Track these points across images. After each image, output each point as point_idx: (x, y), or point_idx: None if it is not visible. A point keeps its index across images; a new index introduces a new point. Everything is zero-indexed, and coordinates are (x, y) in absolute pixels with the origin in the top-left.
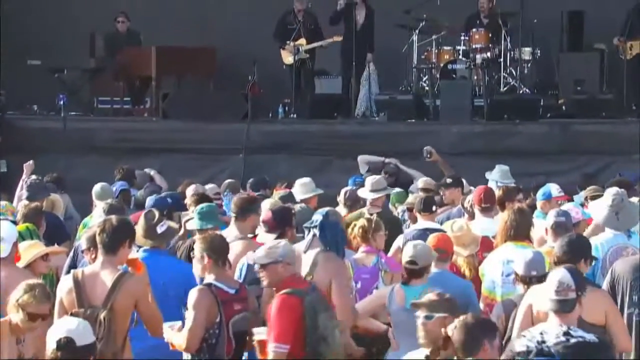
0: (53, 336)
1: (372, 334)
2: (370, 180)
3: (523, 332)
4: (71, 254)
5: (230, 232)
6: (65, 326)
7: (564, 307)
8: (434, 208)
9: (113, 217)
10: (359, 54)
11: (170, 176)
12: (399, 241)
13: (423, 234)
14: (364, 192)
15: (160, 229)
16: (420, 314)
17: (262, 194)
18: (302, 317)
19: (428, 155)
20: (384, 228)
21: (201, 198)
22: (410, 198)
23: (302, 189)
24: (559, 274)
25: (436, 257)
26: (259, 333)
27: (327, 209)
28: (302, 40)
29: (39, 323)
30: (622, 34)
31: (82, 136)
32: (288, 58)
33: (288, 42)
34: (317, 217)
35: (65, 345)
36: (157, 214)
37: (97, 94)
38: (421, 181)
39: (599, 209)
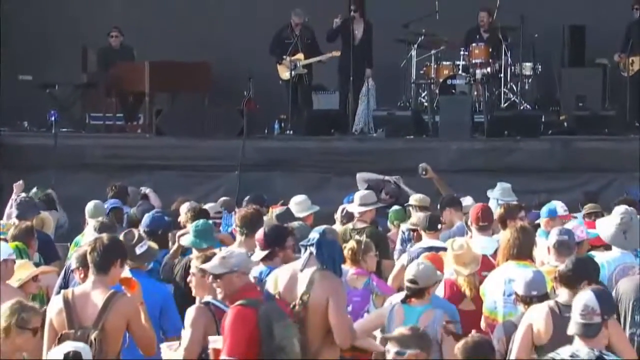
0: (58, 352)
1: (369, 354)
2: (359, 194)
3: (552, 353)
4: (62, 273)
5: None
6: (70, 344)
7: (587, 331)
8: (439, 226)
9: (104, 236)
10: (357, 69)
11: (164, 194)
12: (403, 259)
13: (428, 253)
14: (353, 207)
15: (139, 250)
16: (392, 348)
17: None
18: (257, 328)
19: (424, 173)
20: (374, 249)
21: (197, 214)
22: (414, 218)
23: (298, 207)
24: (585, 297)
25: None
26: (215, 341)
27: (323, 226)
28: (300, 55)
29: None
30: (624, 50)
31: (74, 153)
32: (285, 73)
33: (285, 56)
34: (314, 235)
35: (73, 357)
36: (136, 234)
37: (89, 110)
38: (413, 198)
39: (606, 227)
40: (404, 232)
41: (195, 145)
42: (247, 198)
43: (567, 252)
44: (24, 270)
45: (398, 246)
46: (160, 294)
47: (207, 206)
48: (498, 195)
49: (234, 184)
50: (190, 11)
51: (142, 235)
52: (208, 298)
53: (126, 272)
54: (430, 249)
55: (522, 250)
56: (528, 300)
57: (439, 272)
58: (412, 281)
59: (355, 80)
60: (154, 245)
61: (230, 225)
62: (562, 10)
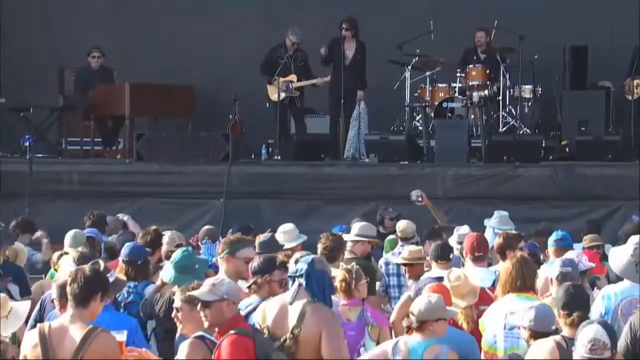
0: None
1: None
2: (358, 224)
3: None
4: (37, 306)
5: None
6: None
7: None
8: (451, 255)
9: (86, 267)
10: (349, 91)
11: (145, 222)
12: (410, 290)
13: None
14: (348, 236)
15: None
16: None
17: None
18: (255, 357)
19: (419, 199)
20: (364, 275)
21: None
22: (405, 252)
23: (286, 236)
24: (592, 330)
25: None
26: None
27: (312, 256)
28: (292, 77)
29: None
30: (629, 74)
31: (50, 180)
32: (274, 94)
33: (276, 77)
34: (302, 265)
35: None
36: (102, 264)
37: (66, 134)
38: (397, 228)
39: (619, 257)
40: (387, 264)
41: (178, 171)
42: (232, 228)
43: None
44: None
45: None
46: (126, 328)
47: (166, 233)
48: (495, 224)
49: (219, 212)
50: (174, 32)
51: (107, 267)
52: (200, 332)
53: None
54: (439, 279)
55: (524, 282)
56: (539, 335)
57: (447, 307)
58: (415, 314)
59: (347, 103)
60: (122, 276)
61: (214, 256)
62: (563, 30)
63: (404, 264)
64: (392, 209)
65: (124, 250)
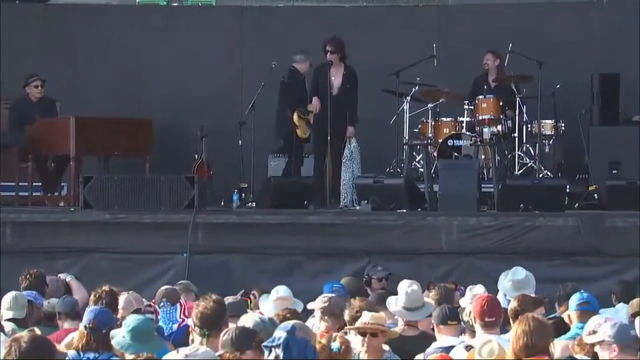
0: None
1: None
2: (405, 288)
3: None
4: None
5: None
6: None
7: None
8: (461, 317)
9: (26, 335)
10: (336, 126)
11: (94, 282)
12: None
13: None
14: (395, 307)
15: None
16: None
17: None
18: None
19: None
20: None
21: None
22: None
23: (283, 303)
24: None
25: None
26: None
27: (292, 322)
28: (309, 107)
29: None
30: None
31: None
32: (305, 131)
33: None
34: (280, 333)
35: None
36: (38, 331)
37: None
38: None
39: None
40: None
41: (133, 221)
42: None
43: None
44: None
45: None
46: None
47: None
48: (510, 286)
49: (182, 269)
50: (128, 57)
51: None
52: None
53: None
54: (450, 348)
55: (537, 344)
56: None
57: None
58: None
59: (334, 140)
60: (63, 349)
61: (175, 322)
62: (591, 55)
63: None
64: (382, 267)
65: (88, 316)
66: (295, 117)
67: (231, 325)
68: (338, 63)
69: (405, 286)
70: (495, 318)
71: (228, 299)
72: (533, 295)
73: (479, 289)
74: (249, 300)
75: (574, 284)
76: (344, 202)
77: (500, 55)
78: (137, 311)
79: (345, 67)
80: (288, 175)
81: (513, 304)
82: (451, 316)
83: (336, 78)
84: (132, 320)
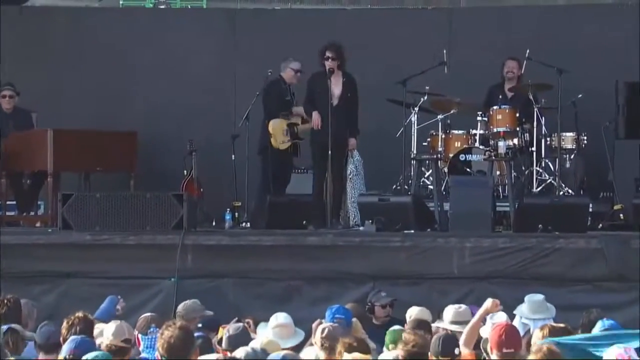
0: None
1: None
2: (452, 309)
3: None
4: None
5: None
6: None
7: None
8: (457, 351)
9: None
10: (338, 138)
11: (73, 310)
12: None
13: None
14: (445, 324)
15: None
16: None
17: (203, 335)
18: None
19: None
20: None
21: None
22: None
23: (281, 332)
24: None
25: None
26: None
27: (282, 352)
28: (297, 118)
29: None
30: None
31: None
32: (282, 141)
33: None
34: None
35: None
36: None
37: None
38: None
39: None
40: None
41: (116, 243)
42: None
43: None
44: None
45: None
46: None
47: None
48: (527, 313)
49: (170, 295)
50: (111, 64)
51: None
52: None
53: None
54: None
55: None
56: None
57: None
58: None
59: (336, 155)
60: None
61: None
62: (616, 61)
63: None
64: (386, 292)
65: (68, 345)
66: (271, 125)
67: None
68: (337, 71)
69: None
70: (513, 349)
71: (229, 330)
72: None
73: (501, 317)
74: None
75: (598, 310)
76: (355, 222)
77: (521, 64)
78: (126, 341)
79: (344, 75)
80: (262, 196)
81: (538, 334)
82: (442, 351)
83: (336, 87)
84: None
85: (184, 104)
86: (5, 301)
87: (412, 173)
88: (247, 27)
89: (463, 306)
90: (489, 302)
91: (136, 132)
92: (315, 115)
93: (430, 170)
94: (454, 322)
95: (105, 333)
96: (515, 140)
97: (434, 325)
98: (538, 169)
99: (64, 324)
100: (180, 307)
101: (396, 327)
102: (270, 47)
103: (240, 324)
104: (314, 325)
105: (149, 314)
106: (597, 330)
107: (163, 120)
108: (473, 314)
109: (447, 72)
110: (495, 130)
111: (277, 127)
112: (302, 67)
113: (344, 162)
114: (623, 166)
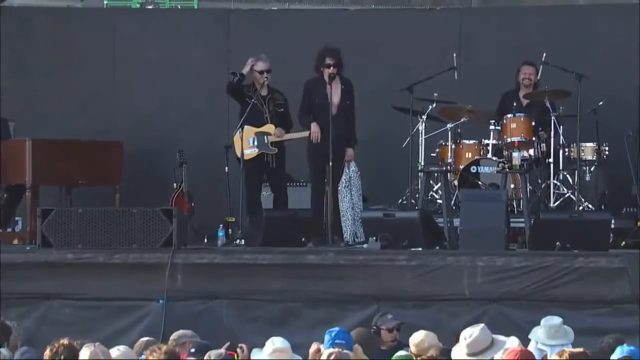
0: None
1: None
2: (467, 335)
3: None
4: None
5: None
6: None
7: None
8: None
9: None
10: (337, 149)
11: (54, 334)
12: None
13: None
14: (460, 353)
15: None
16: None
17: None
18: None
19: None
20: None
21: None
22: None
23: (280, 357)
24: None
25: None
26: None
27: None
28: (269, 127)
29: None
30: None
31: None
32: (245, 150)
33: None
34: None
35: None
36: None
37: None
38: (412, 343)
39: None
40: None
41: (100, 262)
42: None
43: None
44: None
45: None
46: None
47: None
48: (544, 338)
49: (158, 318)
50: (95, 69)
51: None
52: None
53: None
54: None
55: None
56: None
57: None
58: None
59: (335, 167)
60: None
61: None
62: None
63: None
64: (393, 315)
65: None
66: (238, 135)
67: None
68: (335, 76)
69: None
70: None
71: (211, 355)
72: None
73: (513, 342)
74: (235, 355)
75: (618, 335)
76: (346, 238)
77: (538, 69)
78: None
79: (342, 81)
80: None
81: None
82: None
83: (335, 95)
84: None
85: (174, 111)
86: None
87: (419, 186)
88: (242, 28)
89: (475, 332)
90: None
91: (122, 142)
92: (315, 127)
93: (439, 184)
94: (470, 354)
95: (82, 356)
96: (531, 151)
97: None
98: (555, 182)
99: (47, 352)
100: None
101: (402, 352)
102: (267, 51)
103: (223, 351)
104: (311, 350)
105: (145, 338)
106: (616, 356)
107: (151, 129)
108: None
109: (457, 77)
110: (509, 140)
111: (244, 135)
112: (302, 71)
113: (341, 173)
114: None
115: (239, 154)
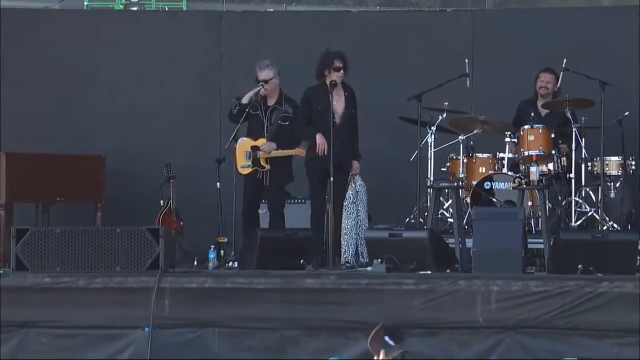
0: None
1: None
2: None
3: None
4: None
5: None
6: None
7: None
8: None
9: None
10: (340, 163)
11: None
12: None
13: None
14: None
15: None
16: None
17: None
18: None
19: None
20: None
21: None
22: None
23: None
24: None
25: None
26: None
27: None
28: (261, 141)
29: None
30: None
31: None
32: (242, 165)
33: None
34: None
35: None
36: None
37: None
38: None
39: None
40: None
41: (80, 287)
42: None
43: None
44: None
45: None
46: None
47: None
48: None
49: (143, 348)
50: (74, 75)
51: None
52: None
53: None
54: None
55: None
56: None
57: None
58: None
59: (338, 182)
60: None
61: None
62: None
63: None
64: (397, 344)
65: None
66: (237, 146)
67: None
68: (339, 83)
69: None
70: None
71: None
72: None
73: None
74: None
75: None
76: (345, 258)
77: (558, 77)
78: None
79: (344, 88)
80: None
81: None
82: None
83: (339, 103)
84: None
85: (161, 122)
86: None
87: (428, 204)
88: (234, 32)
89: None
90: None
91: (104, 156)
92: (320, 139)
93: (450, 201)
94: None
95: None
96: (550, 166)
97: None
98: (577, 199)
99: None
100: None
101: None
102: (262, 56)
103: None
104: None
105: None
106: None
107: (136, 142)
108: None
109: (470, 85)
110: (526, 153)
111: (240, 148)
112: (300, 79)
113: (346, 189)
114: None
115: (240, 169)
